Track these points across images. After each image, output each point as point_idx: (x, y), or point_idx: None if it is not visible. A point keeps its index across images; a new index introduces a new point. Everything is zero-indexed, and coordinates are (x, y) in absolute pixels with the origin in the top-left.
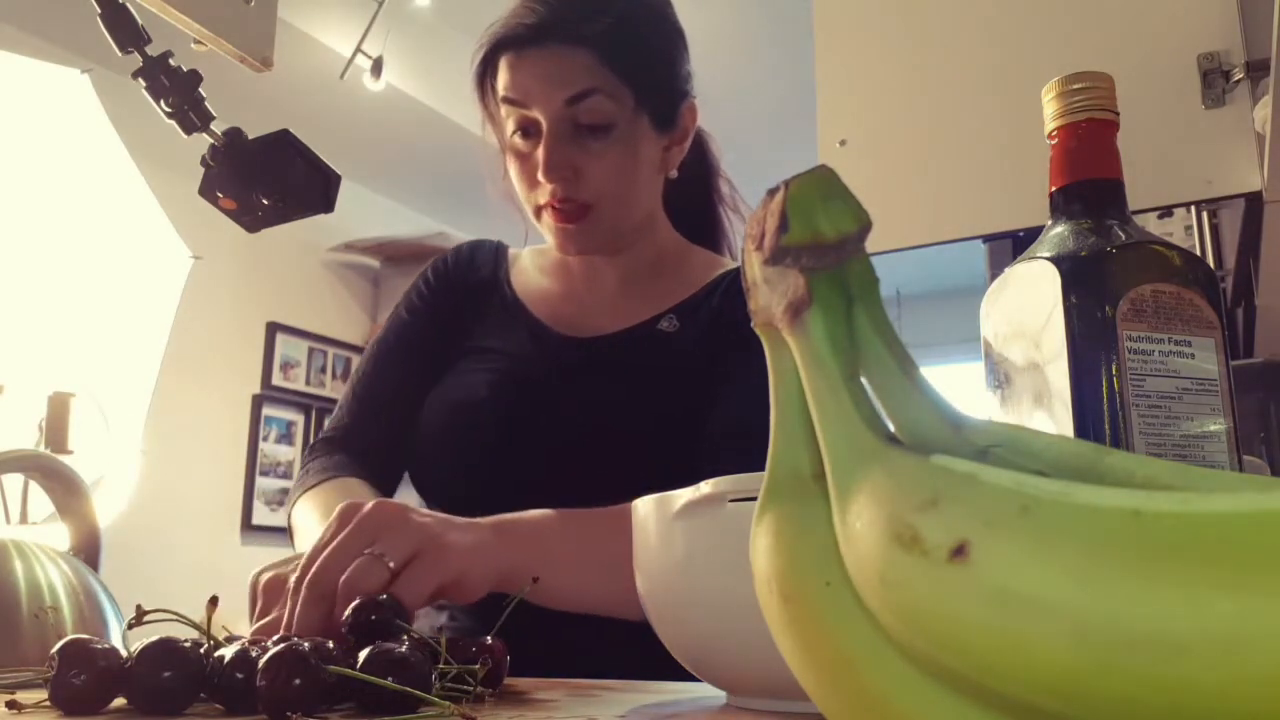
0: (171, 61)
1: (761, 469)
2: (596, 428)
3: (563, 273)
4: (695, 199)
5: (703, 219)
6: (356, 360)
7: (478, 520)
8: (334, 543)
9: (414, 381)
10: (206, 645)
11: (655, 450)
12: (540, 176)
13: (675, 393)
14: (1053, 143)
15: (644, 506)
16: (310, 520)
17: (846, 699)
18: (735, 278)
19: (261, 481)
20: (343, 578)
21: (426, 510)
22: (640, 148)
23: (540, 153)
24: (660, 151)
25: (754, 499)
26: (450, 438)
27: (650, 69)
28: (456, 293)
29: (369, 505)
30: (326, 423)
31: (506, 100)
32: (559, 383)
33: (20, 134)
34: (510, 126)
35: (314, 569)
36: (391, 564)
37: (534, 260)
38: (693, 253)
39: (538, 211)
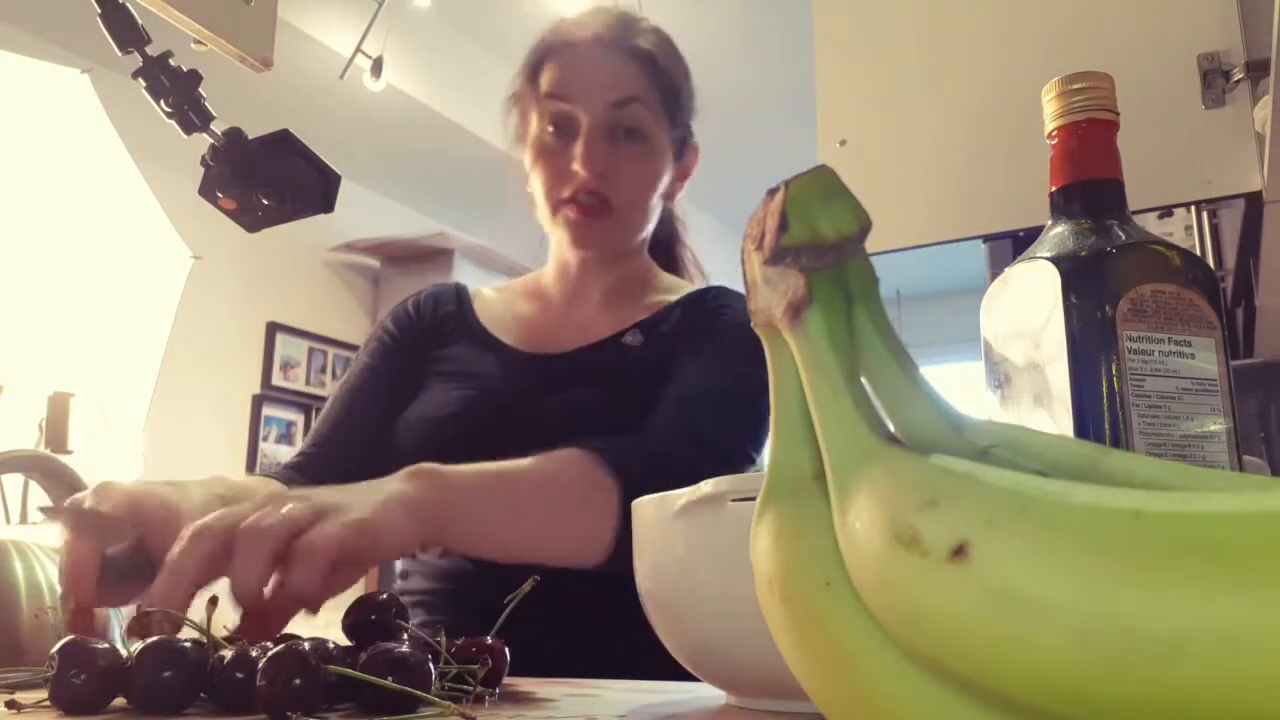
0: (171, 61)
1: (702, 432)
2: (556, 438)
3: (539, 298)
4: (662, 256)
5: (668, 263)
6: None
7: (398, 475)
8: (222, 512)
9: (377, 420)
10: (207, 645)
11: None
12: (577, 166)
13: (634, 401)
14: (1053, 143)
15: (644, 506)
16: None
17: (846, 698)
18: (697, 296)
19: None
20: (240, 527)
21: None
22: (662, 164)
23: (579, 147)
24: (671, 180)
25: (754, 499)
26: (415, 456)
27: (680, 99)
28: (423, 331)
29: (265, 491)
30: (262, 444)
31: (551, 95)
32: (526, 397)
33: (20, 134)
34: (545, 123)
35: (206, 527)
36: (297, 524)
37: (500, 292)
38: (667, 278)
39: (557, 206)
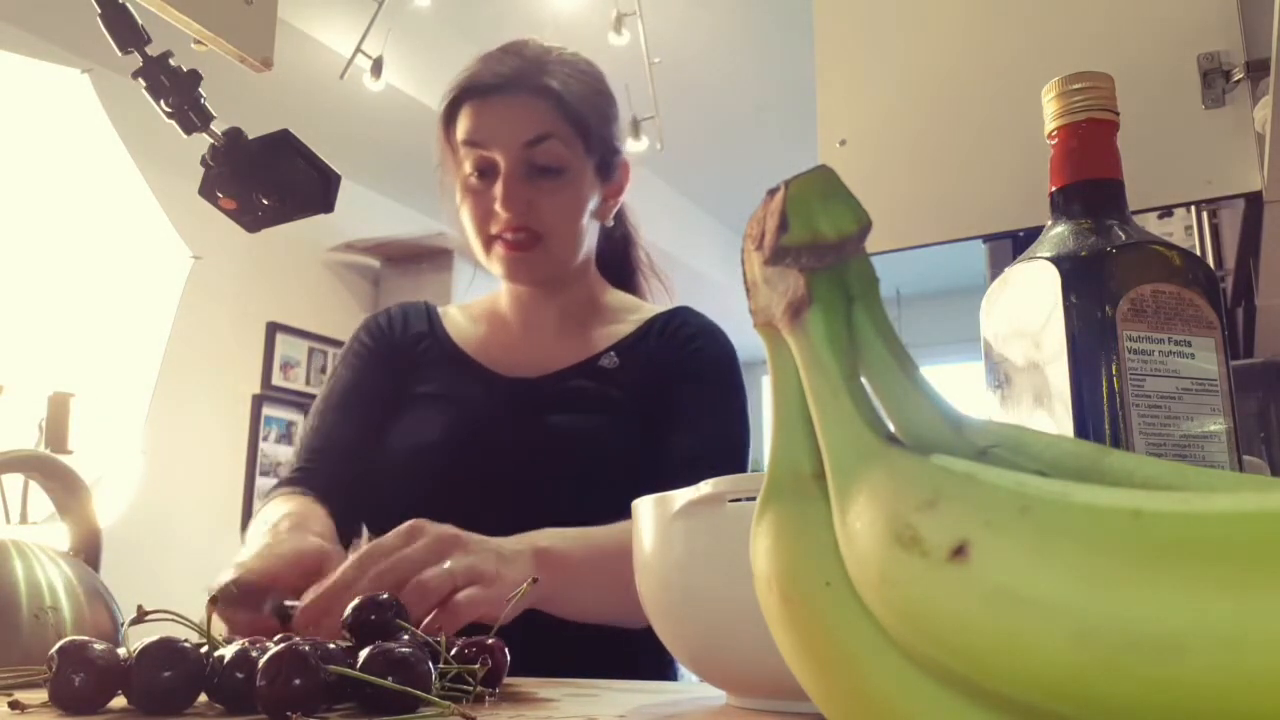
0: (171, 61)
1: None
2: (550, 461)
3: (499, 319)
4: (617, 260)
5: (623, 280)
6: None
7: (519, 547)
8: (405, 550)
9: (366, 431)
10: (206, 645)
11: (605, 479)
12: (497, 208)
13: (621, 424)
14: (1053, 143)
15: (643, 506)
16: (267, 517)
17: (846, 699)
18: (667, 320)
19: (261, 481)
20: (417, 578)
21: (473, 535)
22: (585, 191)
23: (498, 188)
24: (600, 200)
25: (754, 499)
26: (408, 480)
27: (597, 124)
28: (396, 347)
29: (436, 526)
30: (282, 474)
31: (468, 143)
32: (512, 420)
33: (20, 134)
34: (467, 168)
35: (383, 565)
36: (457, 583)
37: (464, 312)
38: (619, 296)
39: (489, 243)
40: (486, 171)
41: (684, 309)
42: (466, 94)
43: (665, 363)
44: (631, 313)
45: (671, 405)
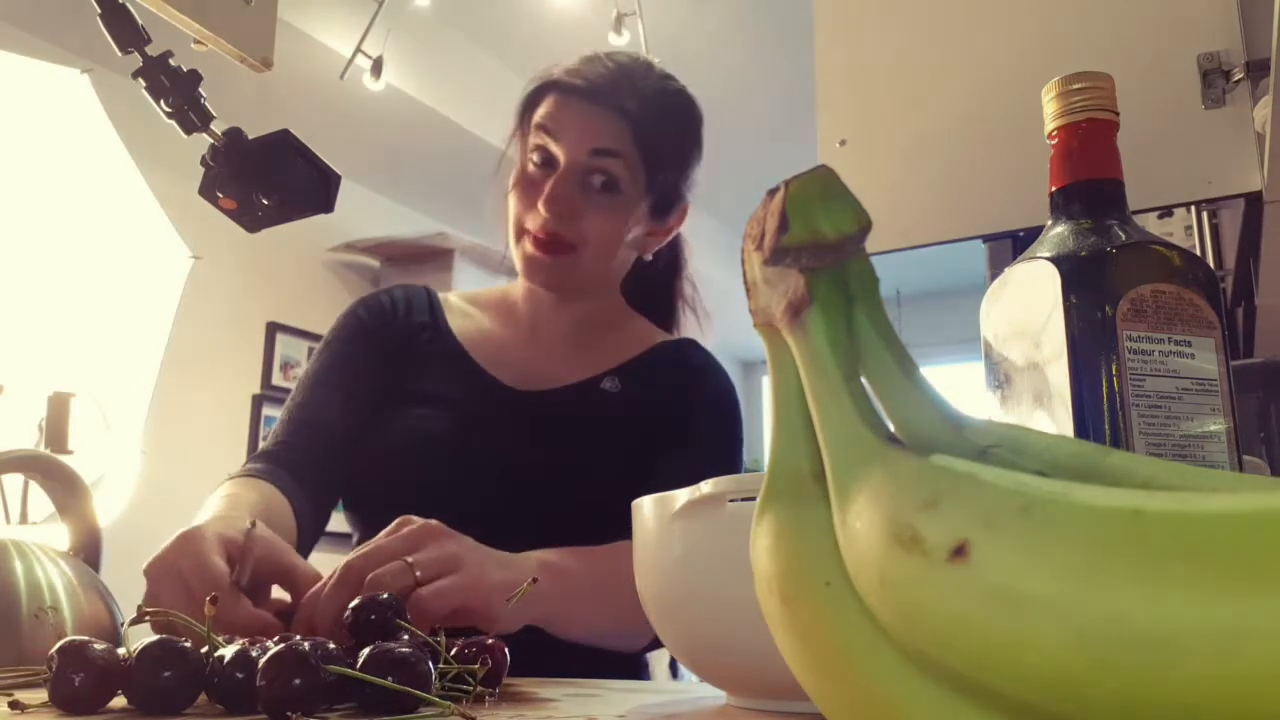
0: (171, 61)
1: None
2: (545, 478)
3: (509, 314)
4: (661, 290)
5: (664, 311)
6: None
7: (520, 560)
8: (375, 544)
9: (351, 410)
10: (206, 645)
11: (598, 501)
12: (540, 205)
13: (615, 449)
14: (1053, 143)
15: (644, 506)
16: (209, 503)
17: (846, 699)
18: (675, 347)
19: None
20: (371, 575)
21: (474, 541)
22: (631, 221)
23: (549, 185)
24: (644, 235)
25: (754, 499)
26: (396, 478)
27: (668, 167)
28: (396, 333)
29: (420, 521)
30: (262, 443)
31: (541, 127)
32: (507, 434)
33: (20, 134)
34: (532, 150)
35: (351, 561)
36: (419, 574)
37: (470, 303)
38: (636, 319)
39: (520, 234)
40: (546, 162)
41: (689, 341)
42: (555, 85)
43: (667, 393)
44: (640, 337)
45: (669, 435)
